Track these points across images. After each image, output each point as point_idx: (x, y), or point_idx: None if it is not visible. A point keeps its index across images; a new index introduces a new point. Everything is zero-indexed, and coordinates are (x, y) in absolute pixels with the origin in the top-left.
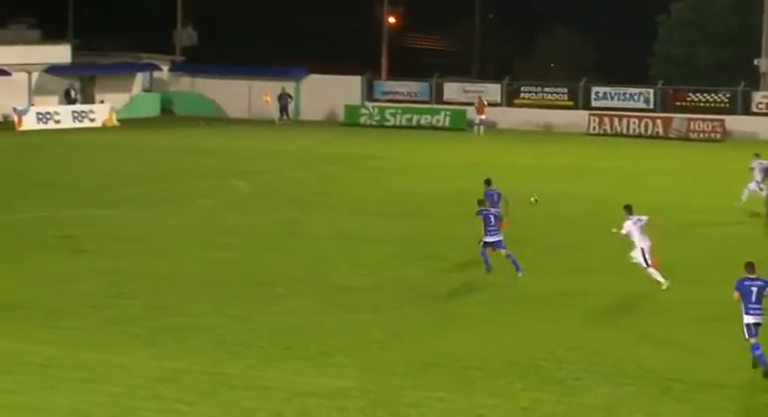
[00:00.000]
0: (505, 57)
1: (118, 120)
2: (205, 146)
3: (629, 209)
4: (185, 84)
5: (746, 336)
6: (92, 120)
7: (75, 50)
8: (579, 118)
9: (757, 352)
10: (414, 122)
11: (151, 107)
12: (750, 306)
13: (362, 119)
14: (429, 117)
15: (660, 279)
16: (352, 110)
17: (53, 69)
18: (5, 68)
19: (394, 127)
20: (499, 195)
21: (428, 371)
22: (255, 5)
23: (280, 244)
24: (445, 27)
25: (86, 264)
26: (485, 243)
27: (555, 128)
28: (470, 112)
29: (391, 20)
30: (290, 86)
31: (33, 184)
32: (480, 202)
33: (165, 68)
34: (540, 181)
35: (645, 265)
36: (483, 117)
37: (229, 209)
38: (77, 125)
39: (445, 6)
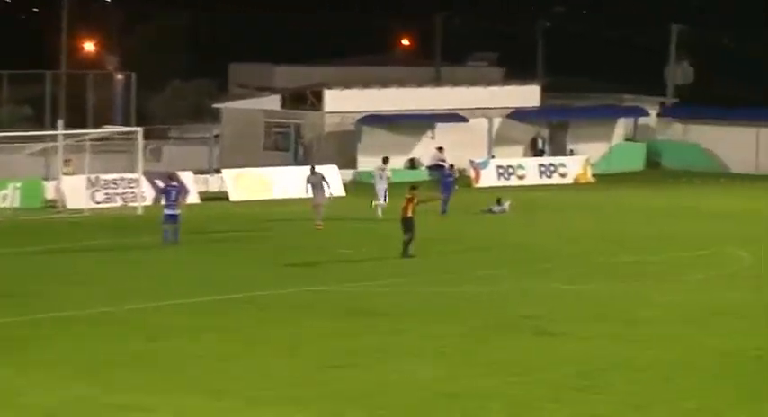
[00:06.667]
0: None
1: (593, 176)
2: (698, 208)
3: None
4: (677, 131)
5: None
6: (562, 176)
7: (544, 92)
8: None
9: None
10: None
11: (634, 159)
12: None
13: None
14: None
15: None
16: None
17: (518, 115)
18: (462, 113)
19: None
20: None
21: None
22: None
23: None
24: None
25: (552, 349)
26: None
27: None
28: None
29: None
30: None
31: (487, 249)
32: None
33: (653, 112)
34: None
35: None
36: None
37: (729, 285)
38: (545, 181)
39: None
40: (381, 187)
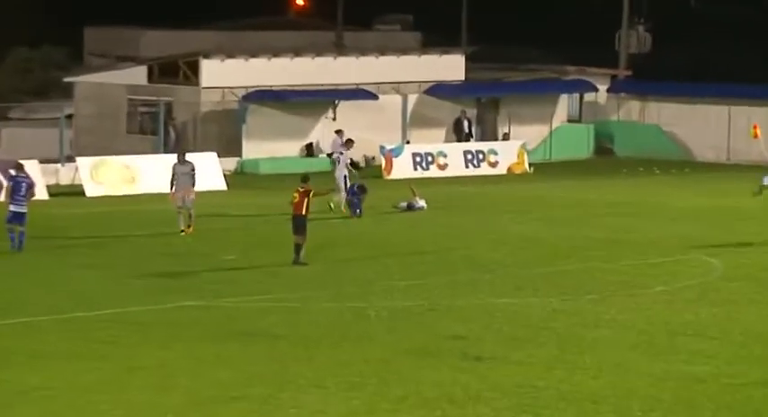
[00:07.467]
0: None
1: (530, 165)
2: (659, 205)
3: None
4: (632, 110)
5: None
6: (492, 165)
7: (470, 62)
8: None
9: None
10: None
11: (580, 145)
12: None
13: None
14: None
15: None
16: None
17: (438, 90)
18: (370, 89)
19: None
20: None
21: None
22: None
23: None
24: None
25: (484, 377)
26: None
27: None
28: None
29: None
30: None
31: (401, 256)
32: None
33: (603, 87)
34: None
35: None
36: None
37: (696, 299)
38: (471, 171)
39: None
40: (341, 173)
